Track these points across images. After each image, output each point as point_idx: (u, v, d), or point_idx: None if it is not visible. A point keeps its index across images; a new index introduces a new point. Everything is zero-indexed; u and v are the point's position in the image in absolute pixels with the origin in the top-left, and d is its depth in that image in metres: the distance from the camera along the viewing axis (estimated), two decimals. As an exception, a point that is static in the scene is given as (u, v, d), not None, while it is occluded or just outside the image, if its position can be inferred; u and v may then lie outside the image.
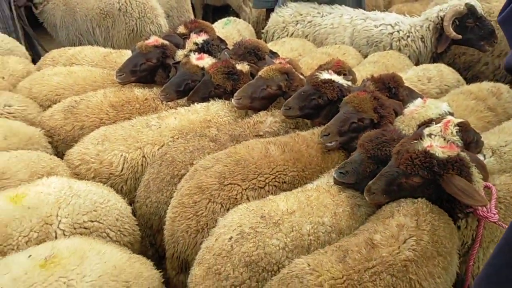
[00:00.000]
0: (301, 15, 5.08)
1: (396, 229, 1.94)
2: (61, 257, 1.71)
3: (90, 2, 5.08)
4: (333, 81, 2.79)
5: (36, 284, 1.61)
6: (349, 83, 2.94)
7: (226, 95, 3.18)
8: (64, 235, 1.95)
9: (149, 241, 2.51)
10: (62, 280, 1.65)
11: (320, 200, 2.14)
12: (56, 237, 1.93)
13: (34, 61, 4.31)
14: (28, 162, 2.30)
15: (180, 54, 3.45)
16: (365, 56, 4.50)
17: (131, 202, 2.46)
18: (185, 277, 2.09)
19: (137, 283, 1.77)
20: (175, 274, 2.22)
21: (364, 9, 5.22)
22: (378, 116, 2.57)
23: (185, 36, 3.81)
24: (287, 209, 2.05)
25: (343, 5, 5.08)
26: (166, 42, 3.56)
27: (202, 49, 3.52)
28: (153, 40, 3.50)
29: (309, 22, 4.99)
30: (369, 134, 2.35)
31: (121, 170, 2.59)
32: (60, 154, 2.81)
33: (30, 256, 1.72)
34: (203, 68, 3.25)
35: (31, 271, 1.65)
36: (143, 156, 2.64)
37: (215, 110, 2.95)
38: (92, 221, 2.01)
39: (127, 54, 3.73)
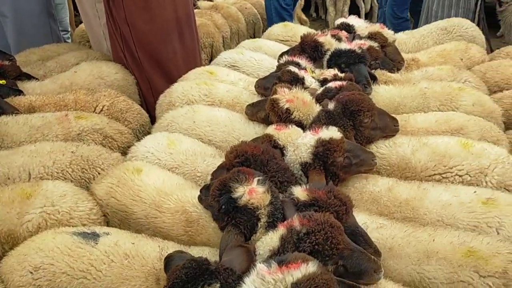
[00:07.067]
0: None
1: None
2: (499, 203, 1.99)
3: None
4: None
5: (476, 213, 1.95)
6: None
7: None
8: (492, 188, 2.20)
9: None
10: (496, 219, 1.93)
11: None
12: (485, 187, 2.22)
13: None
14: (482, 127, 2.61)
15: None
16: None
17: None
18: None
19: None
20: None
21: None
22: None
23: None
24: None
25: None
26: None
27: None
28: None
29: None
30: None
31: None
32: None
33: (475, 192, 2.06)
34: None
35: (474, 202, 2.00)
36: None
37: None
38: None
39: None
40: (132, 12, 3.56)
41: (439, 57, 3.66)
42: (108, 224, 2.26)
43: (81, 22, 4.69)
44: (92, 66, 3.64)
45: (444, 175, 2.27)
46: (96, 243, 1.80)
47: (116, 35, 3.70)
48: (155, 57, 3.77)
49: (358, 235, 1.79)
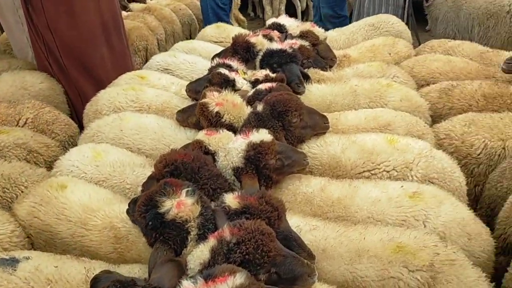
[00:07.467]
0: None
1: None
2: (424, 196, 2.06)
3: (478, 1, 5.37)
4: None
5: (404, 207, 2.04)
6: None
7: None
8: (417, 181, 2.28)
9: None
10: (422, 212, 2.00)
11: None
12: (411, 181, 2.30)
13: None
14: (409, 122, 2.69)
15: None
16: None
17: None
18: (504, 260, 2.20)
19: (476, 240, 2.01)
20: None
21: None
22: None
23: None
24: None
25: None
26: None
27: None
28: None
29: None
30: None
31: (479, 154, 2.70)
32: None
33: (402, 186, 2.12)
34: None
35: (402, 197, 2.07)
36: (503, 148, 2.71)
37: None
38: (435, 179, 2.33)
39: (504, 54, 3.74)
40: (53, 17, 3.40)
41: (368, 52, 3.75)
42: (33, 245, 2.13)
43: (4, 30, 4.43)
44: (14, 77, 3.45)
45: (372, 172, 2.32)
46: (15, 270, 1.68)
47: (38, 42, 3.52)
48: (82, 63, 3.62)
49: (291, 240, 1.77)
